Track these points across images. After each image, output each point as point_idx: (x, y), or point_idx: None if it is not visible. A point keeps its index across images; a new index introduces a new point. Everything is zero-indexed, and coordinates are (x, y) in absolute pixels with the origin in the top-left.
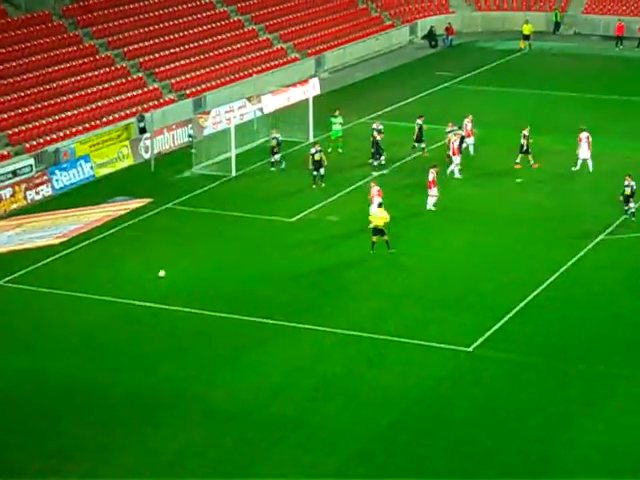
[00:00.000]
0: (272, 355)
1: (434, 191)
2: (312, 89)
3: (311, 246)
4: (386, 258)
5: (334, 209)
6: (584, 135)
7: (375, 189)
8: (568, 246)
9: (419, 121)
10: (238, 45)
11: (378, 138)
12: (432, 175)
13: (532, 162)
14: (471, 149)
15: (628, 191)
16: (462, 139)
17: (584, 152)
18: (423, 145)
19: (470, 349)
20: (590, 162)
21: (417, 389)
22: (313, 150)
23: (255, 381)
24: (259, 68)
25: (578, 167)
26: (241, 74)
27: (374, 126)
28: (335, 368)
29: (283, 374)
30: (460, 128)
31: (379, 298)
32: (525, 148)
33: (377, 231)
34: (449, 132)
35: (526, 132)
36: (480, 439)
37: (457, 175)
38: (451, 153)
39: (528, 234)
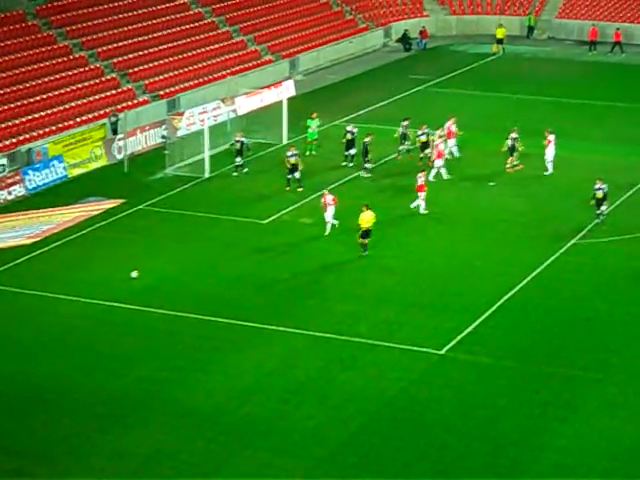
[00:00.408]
0: (245, 357)
1: (422, 195)
2: (286, 91)
3: (284, 248)
4: (360, 261)
5: (308, 211)
6: (552, 137)
7: (329, 197)
8: (541, 249)
9: (404, 123)
10: (213, 47)
11: (366, 141)
12: (421, 179)
13: (515, 164)
14: (455, 150)
15: (599, 194)
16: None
17: (550, 154)
18: (402, 148)
19: (442, 352)
20: (551, 164)
21: (389, 392)
22: (289, 153)
23: (228, 383)
24: (233, 70)
25: (550, 170)
26: (215, 75)
27: (348, 128)
28: (308, 371)
29: (256, 376)
30: (442, 131)
31: (352, 301)
32: (513, 149)
33: (366, 234)
34: (420, 135)
35: (514, 134)
36: (452, 442)
37: (445, 176)
38: (435, 157)
39: (501, 237)
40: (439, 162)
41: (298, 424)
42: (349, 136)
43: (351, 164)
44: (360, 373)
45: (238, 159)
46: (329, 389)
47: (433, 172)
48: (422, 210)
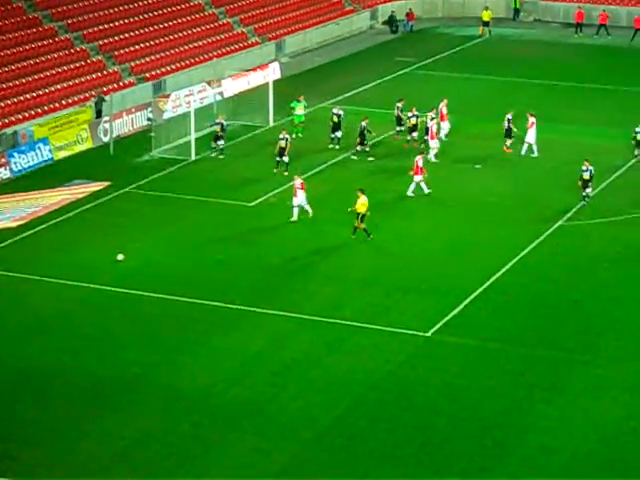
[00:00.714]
0: (232, 340)
1: (419, 177)
2: (272, 73)
3: (271, 231)
4: (346, 243)
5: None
6: (534, 120)
7: (298, 181)
8: (527, 232)
9: (399, 105)
10: (198, 29)
11: (363, 124)
12: (420, 161)
13: (508, 146)
14: (442, 134)
15: (586, 176)
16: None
17: (531, 136)
18: (399, 129)
19: (429, 334)
20: (534, 147)
21: (376, 374)
22: (280, 136)
23: (214, 366)
24: (219, 52)
25: (524, 152)
26: (201, 58)
27: (334, 110)
28: (294, 353)
29: (242, 359)
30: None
31: (339, 283)
32: (509, 131)
33: (362, 217)
34: (411, 117)
35: (510, 116)
36: (439, 424)
37: (433, 160)
38: (429, 137)
39: (487, 220)
40: (434, 143)
41: (285, 406)
42: (335, 118)
43: (337, 146)
44: (347, 356)
45: (220, 142)
46: (316, 372)
47: (431, 153)
48: (426, 190)
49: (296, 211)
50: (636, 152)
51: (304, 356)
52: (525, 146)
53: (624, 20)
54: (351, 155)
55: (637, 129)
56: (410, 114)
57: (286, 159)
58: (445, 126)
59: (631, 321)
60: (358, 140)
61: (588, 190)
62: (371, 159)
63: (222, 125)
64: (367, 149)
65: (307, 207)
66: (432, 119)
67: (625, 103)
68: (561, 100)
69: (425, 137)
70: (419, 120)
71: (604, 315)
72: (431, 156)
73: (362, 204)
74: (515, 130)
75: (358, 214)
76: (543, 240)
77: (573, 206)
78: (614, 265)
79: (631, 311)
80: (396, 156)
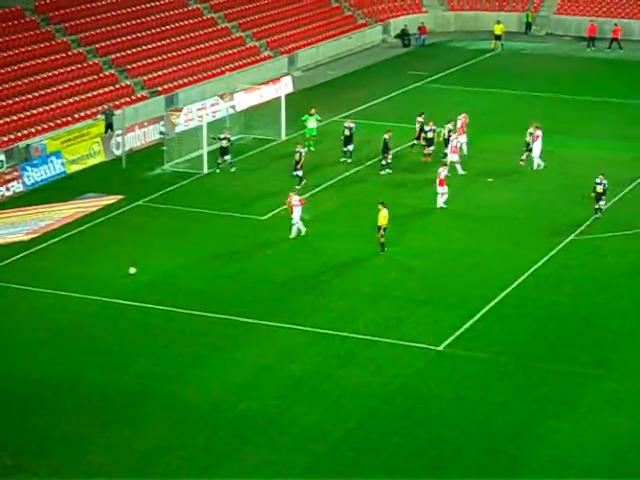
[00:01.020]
0: (243, 353)
1: (444, 189)
2: (284, 87)
3: (282, 244)
4: (358, 256)
5: (306, 207)
6: (540, 133)
7: (295, 198)
8: (539, 245)
9: (420, 119)
10: (211, 43)
11: (386, 137)
12: (443, 173)
13: (523, 159)
14: (464, 148)
15: (600, 189)
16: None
17: (537, 150)
18: (421, 143)
19: (441, 348)
20: (535, 160)
21: (387, 388)
22: (296, 150)
23: (226, 379)
24: (232, 66)
25: (535, 167)
26: (214, 72)
27: (345, 124)
28: (306, 366)
29: (254, 372)
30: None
31: (351, 296)
32: (529, 145)
33: (384, 230)
34: (427, 131)
35: (531, 130)
36: (450, 438)
37: (461, 172)
38: (449, 151)
39: (500, 233)
40: (454, 157)
41: (296, 420)
42: (347, 132)
43: (349, 160)
44: (358, 369)
45: (226, 157)
46: (327, 385)
47: (458, 167)
48: (442, 203)
49: (295, 229)
50: None
51: (315, 369)
52: (535, 160)
53: (637, 34)
54: (380, 171)
55: None
56: (427, 128)
57: (300, 173)
58: (463, 140)
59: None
60: (381, 154)
61: (601, 203)
62: (388, 172)
63: (229, 139)
64: (388, 161)
65: (301, 226)
66: (449, 131)
67: (637, 117)
68: (573, 114)
69: (445, 150)
70: (436, 134)
71: (617, 329)
72: (458, 169)
73: (383, 217)
74: (531, 144)
75: (379, 227)
76: (555, 253)
77: (585, 219)
78: (627, 278)
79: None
80: (410, 170)
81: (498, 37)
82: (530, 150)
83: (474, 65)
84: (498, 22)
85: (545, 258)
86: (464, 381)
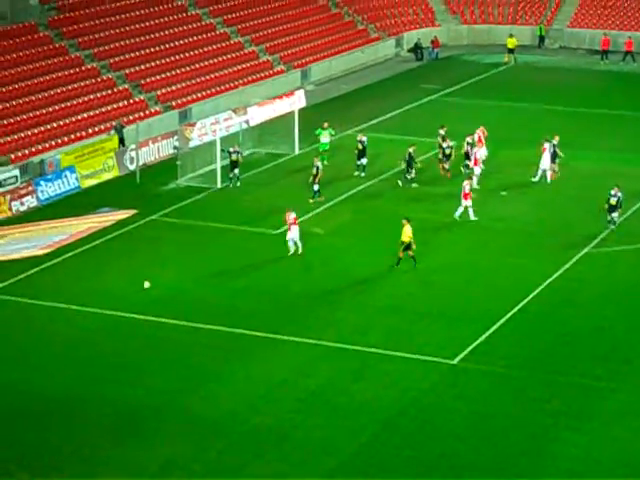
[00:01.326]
0: (256, 367)
1: (468, 202)
2: (298, 101)
3: (296, 258)
4: (370, 270)
5: (320, 222)
6: (548, 145)
7: (291, 216)
8: (553, 258)
9: (442, 132)
10: (224, 57)
11: (410, 151)
12: (468, 187)
13: (555, 171)
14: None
15: (613, 201)
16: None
17: (545, 162)
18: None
19: (454, 362)
20: (549, 173)
21: (401, 402)
22: (314, 163)
23: (239, 393)
24: (245, 80)
25: (537, 178)
26: (227, 86)
27: (358, 138)
28: (319, 380)
29: (267, 386)
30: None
31: (364, 310)
32: (554, 156)
33: (406, 247)
34: (446, 147)
35: (555, 141)
36: (464, 452)
37: (475, 186)
38: (472, 164)
39: (513, 246)
40: (477, 170)
41: (310, 434)
42: (360, 146)
43: (363, 174)
44: (372, 383)
45: (236, 170)
46: (341, 399)
47: (474, 180)
48: (472, 217)
49: (291, 244)
50: None
51: (329, 383)
52: (539, 172)
53: None
54: (406, 184)
55: None
56: (445, 144)
57: (315, 187)
58: (482, 152)
59: None
60: (406, 168)
61: (615, 215)
62: (415, 186)
63: (239, 152)
64: (413, 176)
65: (299, 243)
66: (469, 144)
67: None
68: (587, 127)
69: (467, 162)
70: (454, 149)
71: (632, 342)
72: (474, 182)
73: (406, 234)
74: (561, 155)
75: (402, 243)
76: (570, 267)
77: (600, 232)
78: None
79: None
80: (425, 183)
81: (511, 50)
82: (554, 162)
83: (487, 78)
84: (511, 35)
85: (559, 271)
86: (477, 395)
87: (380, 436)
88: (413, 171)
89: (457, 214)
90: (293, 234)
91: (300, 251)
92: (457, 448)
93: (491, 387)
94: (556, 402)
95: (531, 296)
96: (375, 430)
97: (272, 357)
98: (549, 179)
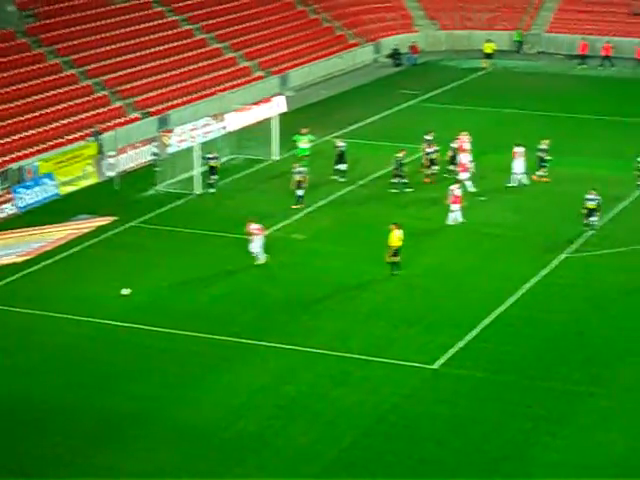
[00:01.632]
0: (238, 374)
1: (456, 207)
2: (277, 107)
3: (276, 264)
4: (351, 276)
5: (299, 227)
6: (519, 150)
7: (254, 227)
8: (533, 263)
9: (427, 137)
10: (202, 63)
11: (399, 156)
12: (457, 191)
13: (541, 175)
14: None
15: (592, 205)
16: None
17: (518, 167)
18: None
19: (434, 366)
20: (525, 177)
21: (381, 407)
22: (295, 170)
23: (220, 400)
24: (224, 86)
25: (512, 183)
26: (205, 92)
27: (337, 143)
28: (300, 387)
29: (248, 393)
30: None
31: (344, 316)
32: (542, 161)
33: (396, 252)
34: (431, 152)
35: (544, 146)
36: (445, 457)
37: (472, 189)
38: (460, 170)
39: (492, 251)
40: (464, 175)
41: (290, 441)
42: (339, 151)
43: (343, 179)
44: (352, 389)
45: (214, 177)
46: (321, 405)
47: (468, 185)
48: (460, 219)
49: (257, 256)
50: (639, 182)
51: (310, 389)
52: (513, 177)
53: (628, 51)
54: (400, 189)
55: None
56: (430, 149)
57: (300, 192)
58: (465, 159)
59: (638, 352)
60: (394, 173)
61: (593, 219)
62: (410, 190)
63: (217, 159)
64: (395, 180)
65: (262, 255)
66: (452, 149)
67: (629, 134)
68: (565, 131)
69: (451, 167)
70: (438, 155)
71: (611, 347)
72: (468, 186)
73: (397, 238)
74: (549, 159)
75: (391, 248)
76: (550, 271)
77: (578, 237)
78: (620, 296)
79: (638, 342)
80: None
81: (489, 56)
82: (544, 166)
83: (466, 84)
84: (489, 41)
85: (539, 276)
86: (458, 400)
87: (361, 442)
88: (403, 176)
89: (450, 220)
90: (254, 245)
91: (262, 262)
92: (438, 453)
93: (471, 392)
94: (536, 407)
95: (510, 301)
96: (356, 436)
97: (253, 364)
98: (526, 182)
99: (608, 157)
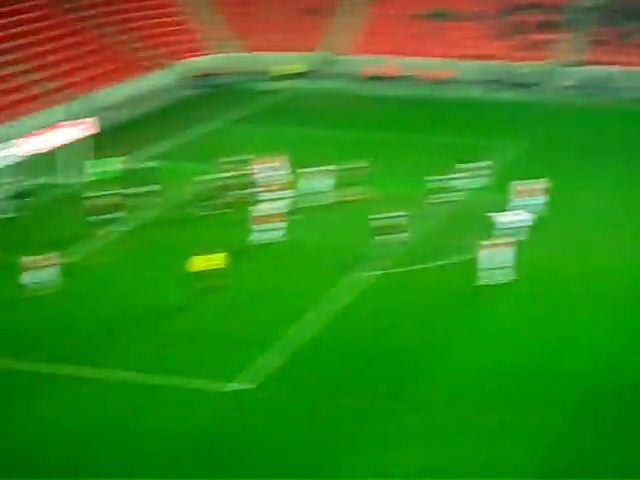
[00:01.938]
0: (35, 404)
1: (261, 227)
2: (80, 130)
3: (75, 290)
4: (154, 299)
5: (105, 252)
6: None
7: (28, 259)
8: (332, 281)
9: (228, 159)
10: None
11: (207, 178)
12: (261, 211)
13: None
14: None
15: (383, 223)
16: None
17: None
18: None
19: (240, 387)
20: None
21: (184, 430)
22: (101, 193)
23: (25, 430)
24: (22, 109)
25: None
26: (2, 116)
27: (143, 165)
28: (99, 415)
29: (34, 426)
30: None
31: (146, 339)
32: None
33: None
34: (233, 175)
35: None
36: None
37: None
38: (263, 190)
39: (293, 269)
40: (269, 195)
41: (101, 465)
42: (147, 173)
43: (152, 200)
44: (153, 414)
45: (23, 199)
46: (120, 433)
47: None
48: (266, 237)
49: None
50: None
51: (110, 418)
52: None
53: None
54: (215, 210)
55: (427, 178)
56: (232, 173)
57: (106, 216)
58: (280, 177)
59: (433, 367)
60: (202, 195)
61: (390, 237)
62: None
63: (16, 183)
64: (230, 201)
65: (36, 285)
66: (254, 170)
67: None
68: (362, 151)
69: (252, 189)
70: (239, 177)
71: (412, 363)
72: (281, 205)
73: (202, 262)
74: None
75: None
76: (346, 290)
77: (372, 256)
78: (418, 315)
79: (433, 358)
80: (213, 211)
81: (287, 77)
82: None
83: (264, 105)
84: (285, 63)
85: (338, 294)
86: (264, 422)
87: (166, 469)
88: (229, 197)
89: (254, 237)
90: (28, 276)
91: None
92: (246, 475)
93: (280, 413)
94: (344, 425)
95: (306, 320)
96: (161, 462)
97: (50, 394)
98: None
99: (414, 176)
